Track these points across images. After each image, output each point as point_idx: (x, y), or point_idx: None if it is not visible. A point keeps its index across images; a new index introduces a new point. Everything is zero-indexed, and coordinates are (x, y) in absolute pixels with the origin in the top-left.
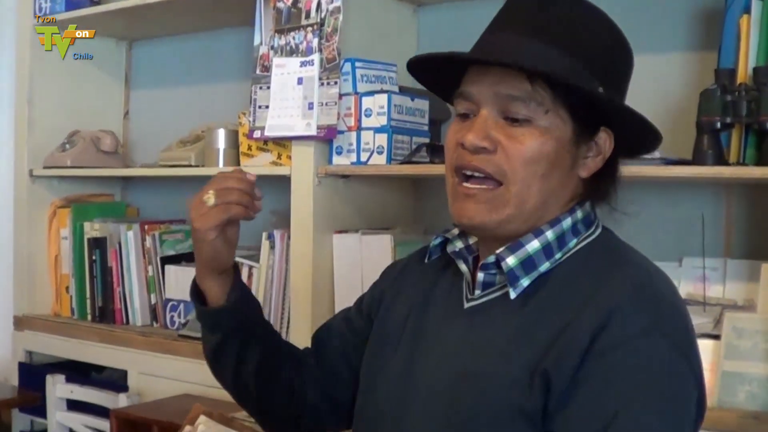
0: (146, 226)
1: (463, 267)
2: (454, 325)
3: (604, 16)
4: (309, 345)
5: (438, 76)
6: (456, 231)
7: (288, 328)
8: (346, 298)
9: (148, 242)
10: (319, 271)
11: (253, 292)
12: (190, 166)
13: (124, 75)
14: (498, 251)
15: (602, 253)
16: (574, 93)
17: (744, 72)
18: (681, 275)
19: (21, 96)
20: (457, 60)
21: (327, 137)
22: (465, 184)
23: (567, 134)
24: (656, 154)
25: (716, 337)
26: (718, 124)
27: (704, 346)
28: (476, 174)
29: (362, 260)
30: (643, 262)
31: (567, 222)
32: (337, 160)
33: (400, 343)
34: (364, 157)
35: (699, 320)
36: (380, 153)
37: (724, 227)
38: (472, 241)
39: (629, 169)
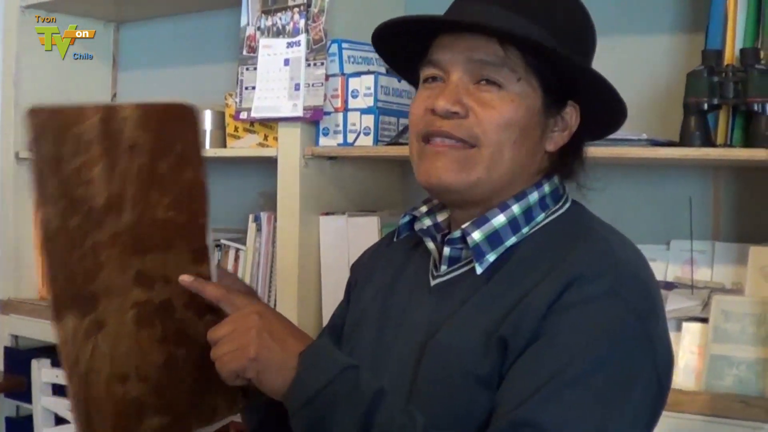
0: None
1: (431, 244)
2: (421, 301)
3: None
4: None
5: (402, 48)
6: (424, 209)
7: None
8: (332, 279)
9: None
10: (306, 253)
11: (240, 274)
12: None
13: (111, 57)
14: (463, 226)
15: (569, 226)
16: (546, 62)
17: (731, 53)
18: (669, 258)
19: (7, 78)
20: (429, 24)
21: (313, 118)
22: (434, 142)
23: (537, 104)
24: (643, 135)
25: (704, 320)
26: (705, 106)
27: (692, 330)
28: (446, 140)
29: (349, 242)
30: (609, 235)
31: (534, 196)
32: (323, 141)
33: (369, 324)
34: (350, 138)
35: (687, 303)
36: (367, 134)
37: (712, 210)
38: (440, 218)
39: (616, 150)
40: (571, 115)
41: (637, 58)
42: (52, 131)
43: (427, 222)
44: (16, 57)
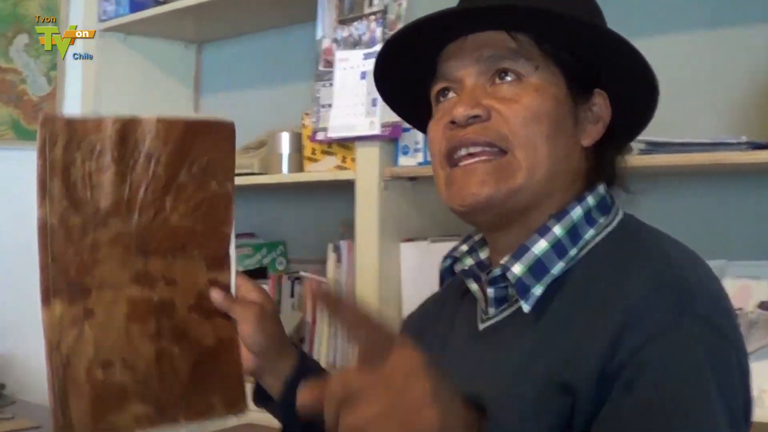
0: None
1: (473, 286)
2: (471, 349)
3: None
4: None
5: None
6: (464, 248)
7: None
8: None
9: None
10: (386, 283)
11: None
12: (253, 174)
13: (193, 80)
14: (502, 261)
15: (622, 245)
16: (562, 46)
17: None
18: (762, 276)
19: (87, 105)
20: (437, 21)
21: (392, 136)
22: (460, 157)
23: (562, 92)
24: (743, 137)
25: None
26: None
27: None
28: (472, 150)
29: (431, 270)
30: (665, 247)
31: (577, 212)
32: (403, 160)
33: None
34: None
35: None
36: None
37: None
38: (483, 255)
39: (711, 156)
40: (601, 105)
41: (732, 52)
42: (64, 138)
43: (469, 261)
44: (95, 83)
